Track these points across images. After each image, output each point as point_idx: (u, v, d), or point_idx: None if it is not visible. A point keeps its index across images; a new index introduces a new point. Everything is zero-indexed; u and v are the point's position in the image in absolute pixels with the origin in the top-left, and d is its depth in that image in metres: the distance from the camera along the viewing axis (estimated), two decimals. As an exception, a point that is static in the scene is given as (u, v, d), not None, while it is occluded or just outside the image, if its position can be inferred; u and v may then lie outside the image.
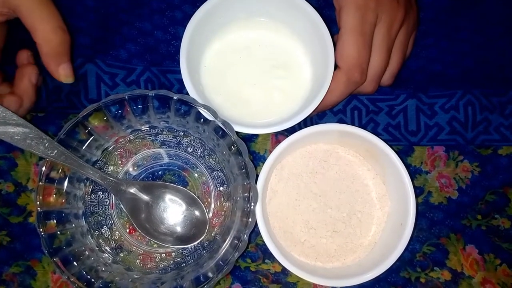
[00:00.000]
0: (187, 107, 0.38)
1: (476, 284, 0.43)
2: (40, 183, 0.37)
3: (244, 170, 0.37)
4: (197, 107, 0.37)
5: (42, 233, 0.36)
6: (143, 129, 0.42)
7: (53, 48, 0.37)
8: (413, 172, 0.44)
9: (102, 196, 0.42)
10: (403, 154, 0.44)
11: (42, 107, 0.44)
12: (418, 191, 0.44)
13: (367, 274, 0.37)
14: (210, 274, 0.36)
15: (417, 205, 0.41)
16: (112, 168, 0.42)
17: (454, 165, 0.44)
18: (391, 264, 0.37)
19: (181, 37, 0.39)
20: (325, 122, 0.43)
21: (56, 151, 0.36)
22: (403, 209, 0.39)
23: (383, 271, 0.37)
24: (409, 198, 0.38)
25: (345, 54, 0.38)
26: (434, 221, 0.44)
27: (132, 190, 0.40)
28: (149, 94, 0.37)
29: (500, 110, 0.44)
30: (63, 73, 0.39)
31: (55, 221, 0.37)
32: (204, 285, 0.36)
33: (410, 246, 0.43)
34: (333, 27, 0.40)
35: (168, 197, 0.41)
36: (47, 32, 0.37)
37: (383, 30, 0.38)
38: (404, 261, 0.43)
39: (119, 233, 0.42)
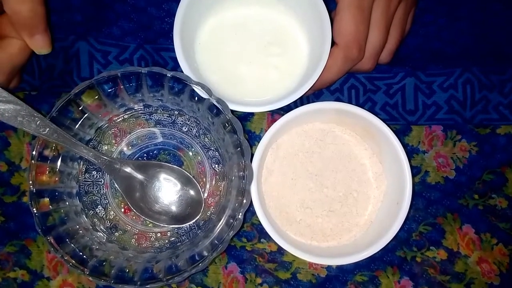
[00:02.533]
0: (181, 85, 0.37)
1: (472, 263, 0.43)
2: (33, 161, 0.36)
3: (239, 149, 0.36)
4: (191, 84, 0.37)
5: (35, 211, 0.36)
6: (137, 107, 0.42)
7: (21, 19, 0.35)
8: (410, 152, 0.44)
9: (97, 176, 0.42)
10: (401, 133, 0.44)
11: (35, 85, 0.44)
12: (415, 170, 0.43)
13: (362, 253, 0.37)
14: (205, 253, 0.36)
15: (414, 184, 0.41)
16: (106, 147, 0.42)
17: (452, 144, 0.44)
18: (386, 243, 0.37)
19: (175, 13, 0.38)
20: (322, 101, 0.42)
21: (48, 129, 0.36)
22: (400, 188, 0.38)
23: (378, 250, 0.37)
24: (405, 177, 0.38)
25: (343, 30, 0.37)
26: (431, 201, 0.43)
27: (127, 169, 0.39)
28: (142, 71, 0.37)
29: (500, 89, 0.43)
30: (36, 44, 0.37)
31: (48, 199, 0.37)
32: (199, 264, 0.35)
33: (407, 226, 0.43)
34: (331, 3, 0.39)
35: (163, 176, 0.40)
36: (15, 2, 0.35)
37: (381, 5, 0.38)
38: (400, 240, 0.43)
39: (114, 212, 0.41)
